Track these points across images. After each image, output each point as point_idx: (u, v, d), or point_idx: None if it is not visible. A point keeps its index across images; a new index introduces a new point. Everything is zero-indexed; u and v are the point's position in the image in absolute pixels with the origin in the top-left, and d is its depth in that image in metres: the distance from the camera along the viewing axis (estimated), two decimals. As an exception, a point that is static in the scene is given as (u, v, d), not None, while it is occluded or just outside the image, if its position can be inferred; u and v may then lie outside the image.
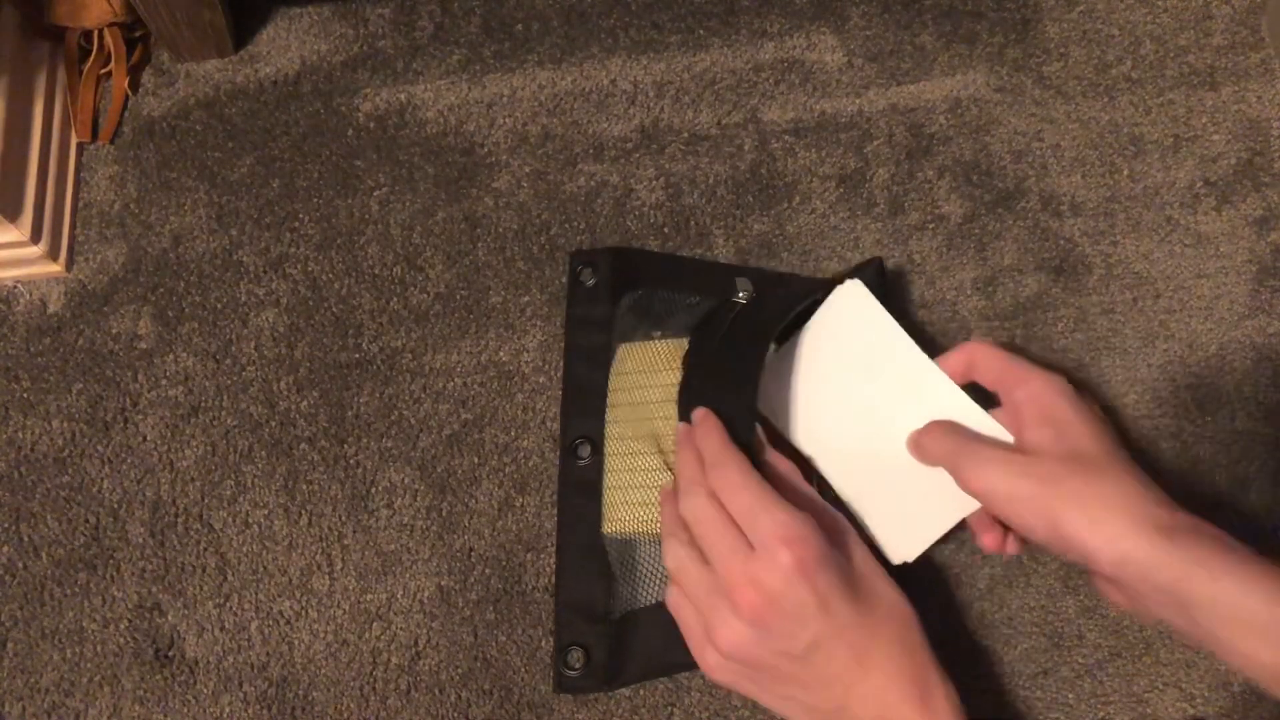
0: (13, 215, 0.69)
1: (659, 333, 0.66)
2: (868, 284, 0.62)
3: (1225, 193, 0.72)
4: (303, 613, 0.64)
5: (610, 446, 0.64)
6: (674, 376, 0.63)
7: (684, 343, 0.65)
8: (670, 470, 0.61)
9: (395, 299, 0.71)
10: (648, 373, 0.65)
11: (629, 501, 0.62)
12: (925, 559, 0.61)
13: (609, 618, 0.61)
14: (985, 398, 0.58)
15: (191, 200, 0.74)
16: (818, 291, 0.62)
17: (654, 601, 0.61)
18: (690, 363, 0.63)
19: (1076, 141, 0.74)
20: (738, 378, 0.59)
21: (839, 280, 0.62)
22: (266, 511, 0.66)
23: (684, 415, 0.60)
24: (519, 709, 0.61)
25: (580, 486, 0.64)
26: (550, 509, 0.65)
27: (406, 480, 0.66)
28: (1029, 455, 0.54)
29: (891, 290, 0.69)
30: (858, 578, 0.53)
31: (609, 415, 0.65)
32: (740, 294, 0.65)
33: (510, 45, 0.78)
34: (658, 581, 0.61)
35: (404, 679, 0.62)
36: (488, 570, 0.64)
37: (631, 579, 0.62)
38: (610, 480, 0.64)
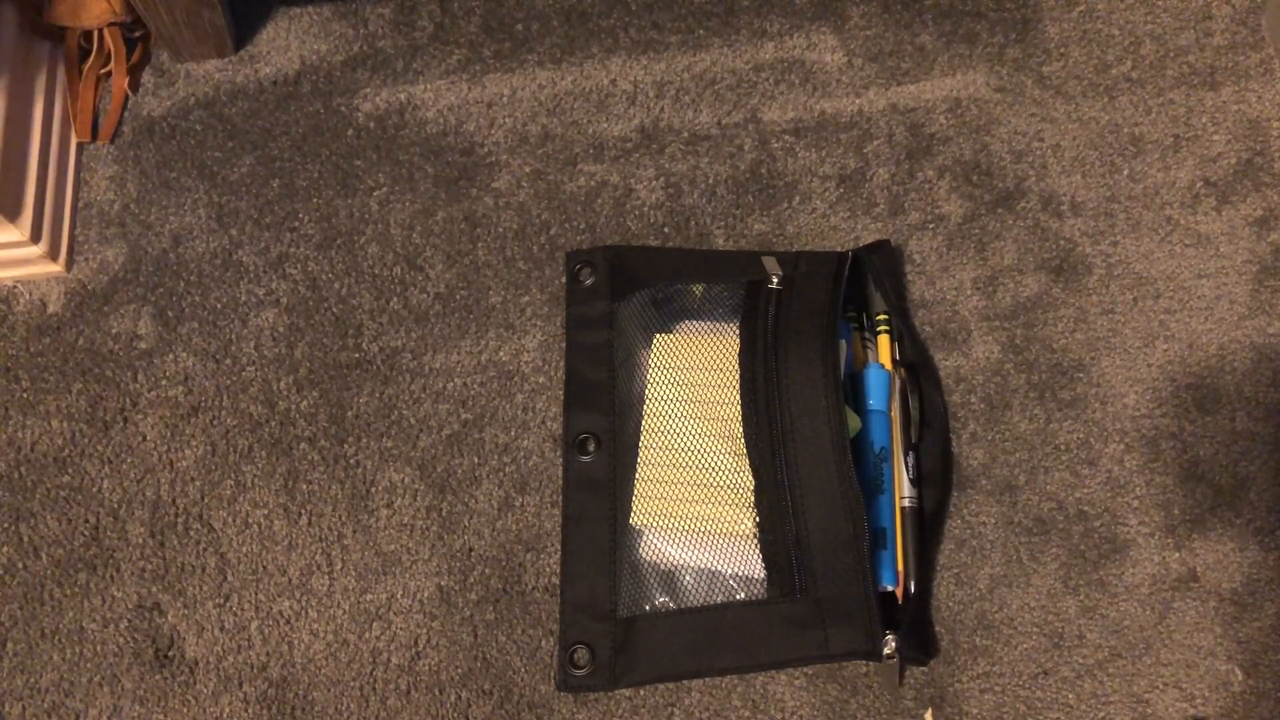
0: (13, 215, 0.69)
1: (689, 323, 0.67)
2: (881, 263, 0.67)
3: (1225, 193, 0.72)
4: (303, 613, 0.64)
5: (646, 440, 0.64)
6: (726, 370, 0.65)
7: (720, 328, 0.66)
8: (733, 458, 0.62)
9: (395, 299, 0.71)
10: (692, 368, 0.65)
11: (662, 495, 0.63)
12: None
13: (614, 616, 0.61)
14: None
15: (191, 200, 0.74)
16: (836, 264, 0.66)
17: (661, 605, 0.61)
18: (746, 359, 0.65)
19: (1076, 141, 0.74)
20: (812, 374, 0.62)
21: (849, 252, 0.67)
22: (266, 511, 0.66)
23: (754, 409, 0.63)
24: (519, 709, 0.61)
25: (585, 484, 0.64)
26: (550, 509, 0.65)
27: (406, 480, 0.66)
28: None
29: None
30: None
31: (645, 408, 0.65)
32: (773, 279, 0.67)
33: (510, 45, 0.78)
34: (665, 583, 0.61)
35: (404, 679, 0.62)
36: (488, 570, 0.64)
37: (638, 579, 0.62)
38: (644, 473, 0.64)
